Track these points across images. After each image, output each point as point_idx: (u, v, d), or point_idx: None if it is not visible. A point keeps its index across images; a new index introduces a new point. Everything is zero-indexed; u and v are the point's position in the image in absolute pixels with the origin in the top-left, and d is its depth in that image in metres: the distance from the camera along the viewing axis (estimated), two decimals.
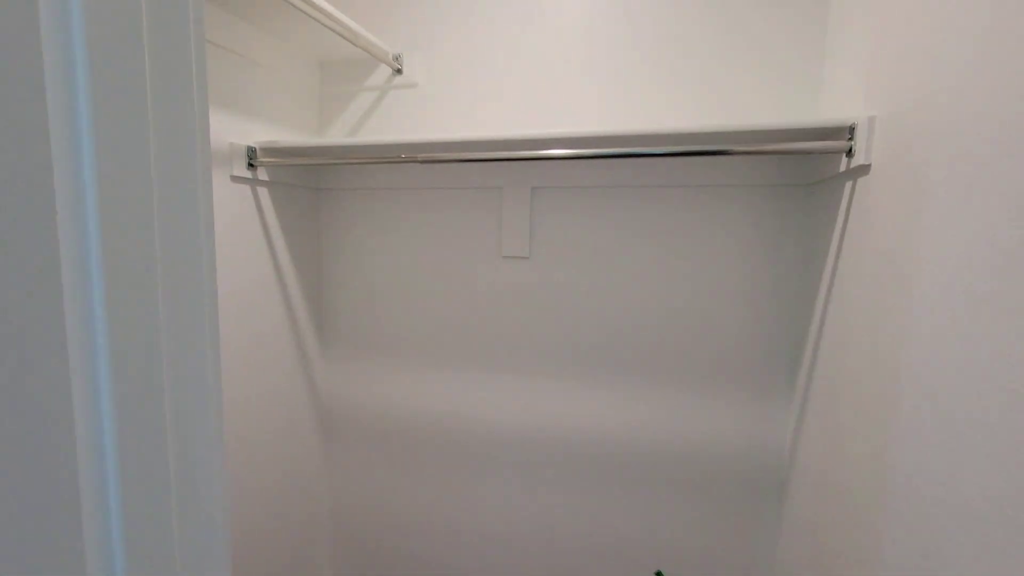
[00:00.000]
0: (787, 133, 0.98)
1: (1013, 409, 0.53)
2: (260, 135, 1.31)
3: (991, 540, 0.55)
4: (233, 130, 1.23)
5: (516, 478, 1.49)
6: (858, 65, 0.95)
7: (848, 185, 0.96)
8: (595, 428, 1.41)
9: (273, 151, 1.31)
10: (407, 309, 1.53)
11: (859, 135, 0.88)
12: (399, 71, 1.43)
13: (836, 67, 1.07)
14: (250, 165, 1.27)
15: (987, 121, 0.59)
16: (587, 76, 1.31)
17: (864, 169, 0.89)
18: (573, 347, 1.40)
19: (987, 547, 0.56)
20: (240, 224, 1.28)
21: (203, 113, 0.40)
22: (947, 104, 0.67)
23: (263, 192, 1.34)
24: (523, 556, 1.52)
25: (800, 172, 1.19)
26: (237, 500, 1.33)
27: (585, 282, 1.37)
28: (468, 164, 1.40)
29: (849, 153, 0.91)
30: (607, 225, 1.34)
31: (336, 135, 1.52)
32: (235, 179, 1.25)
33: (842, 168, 0.95)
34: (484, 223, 1.43)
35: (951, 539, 0.62)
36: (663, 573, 1.40)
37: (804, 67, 1.16)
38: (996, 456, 0.55)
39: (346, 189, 1.54)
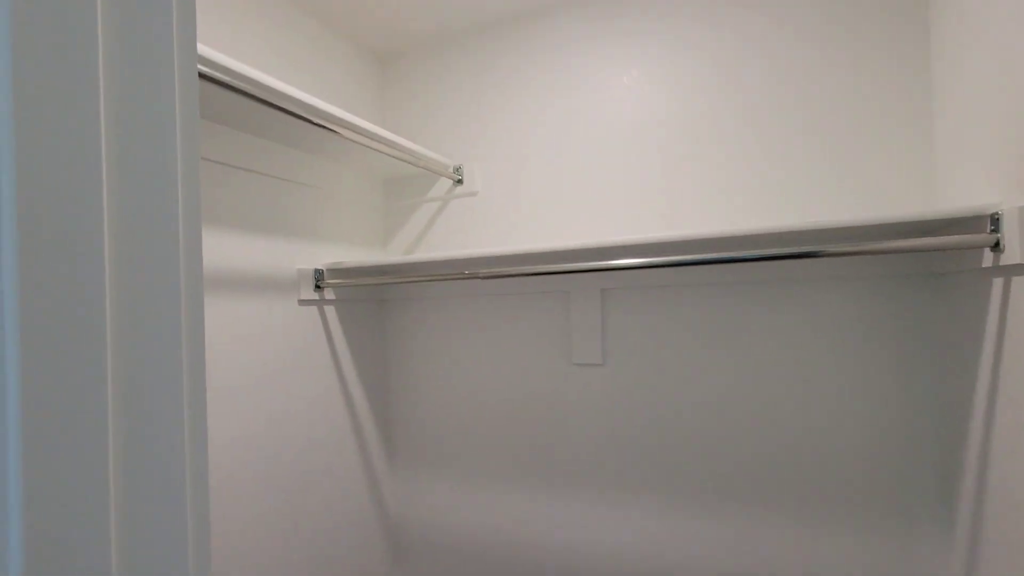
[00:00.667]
0: (896, 227, 0.83)
1: None
2: (327, 256, 1.33)
3: None
4: (300, 256, 1.25)
5: None
6: (990, 144, 0.80)
7: (998, 282, 0.78)
8: (682, 562, 1.19)
9: (339, 272, 1.32)
10: (475, 421, 1.43)
11: (1007, 226, 0.72)
12: (460, 181, 1.44)
13: (954, 150, 0.92)
14: (317, 287, 1.28)
15: None
16: (652, 174, 1.23)
17: (1020, 268, 0.72)
18: (656, 464, 1.23)
19: None
20: (308, 344, 1.27)
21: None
22: None
23: (330, 310, 1.34)
24: None
25: (926, 263, 1.01)
26: None
27: (666, 390, 1.22)
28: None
29: (996, 247, 0.75)
30: (687, 326, 1.20)
31: (400, 245, 1.53)
32: (303, 303, 1.25)
33: (986, 263, 0.78)
34: (553, 328, 1.34)
35: None
36: None
37: (908, 153, 1.02)
38: None
39: (410, 299, 1.52)
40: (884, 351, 1.05)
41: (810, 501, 1.10)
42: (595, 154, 1.29)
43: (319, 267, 1.28)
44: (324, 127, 1.02)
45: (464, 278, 1.12)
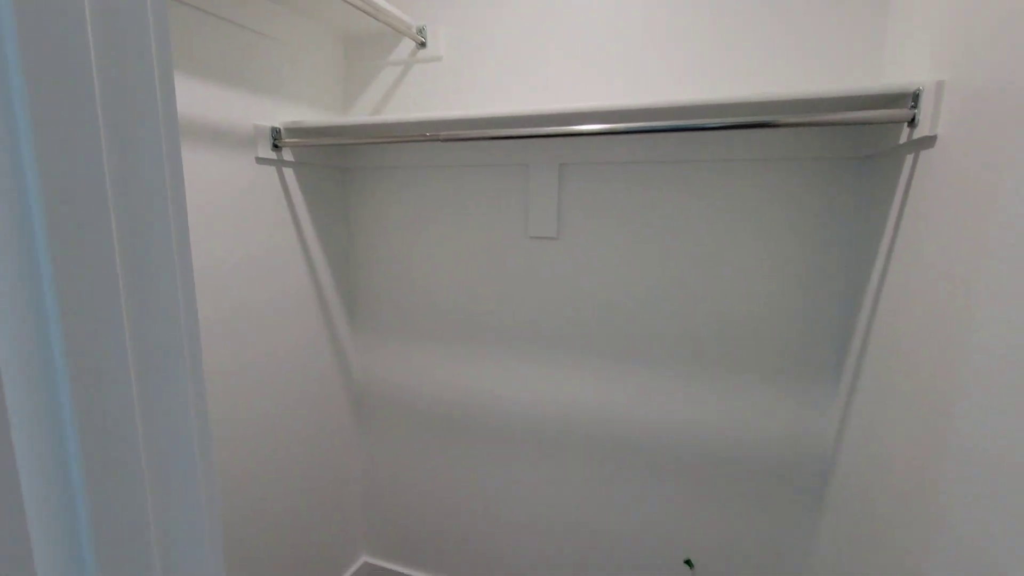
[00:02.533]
0: (841, 101, 0.89)
1: None
2: (285, 115, 1.30)
3: None
4: (256, 111, 1.22)
5: (546, 461, 1.48)
6: (926, 22, 0.84)
7: (909, 158, 0.87)
8: (628, 413, 1.37)
9: (298, 131, 1.29)
10: (436, 289, 1.52)
11: (924, 102, 0.79)
12: (423, 44, 1.38)
13: (901, 26, 0.96)
14: (275, 146, 1.26)
15: None
16: (620, 45, 1.22)
17: (928, 141, 0.80)
18: (604, 330, 1.36)
19: None
20: (267, 206, 1.28)
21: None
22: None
23: (289, 173, 1.34)
24: (552, 538, 1.52)
25: (855, 144, 1.08)
26: (271, 477, 1.37)
27: (616, 263, 1.32)
28: (494, 141, 1.35)
29: (912, 123, 0.82)
30: (641, 204, 1.28)
31: (361, 112, 1.50)
32: (260, 161, 1.25)
33: (903, 140, 0.86)
34: (511, 203, 1.39)
35: (1009, 537, 0.56)
36: (692, 562, 1.37)
37: (863, 28, 1.05)
38: None
39: (372, 168, 1.52)
40: (813, 229, 1.16)
41: (731, 359, 1.26)
42: (563, 23, 1.26)
43: (276, 125, 1.26)
44: None
45: (424, 140, 1.13)
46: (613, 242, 1.31)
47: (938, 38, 0.80)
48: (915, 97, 0.81)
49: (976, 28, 0.70)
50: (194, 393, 0.41)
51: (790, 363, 1.22)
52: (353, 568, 1.75)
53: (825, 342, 1.18)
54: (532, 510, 1.53)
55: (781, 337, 1.21)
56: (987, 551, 0.60)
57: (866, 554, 0.94)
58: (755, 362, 1.24)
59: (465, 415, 1.55)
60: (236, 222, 1.20)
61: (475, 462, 1.57)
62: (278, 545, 1.42)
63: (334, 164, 1.49)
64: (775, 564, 1.31)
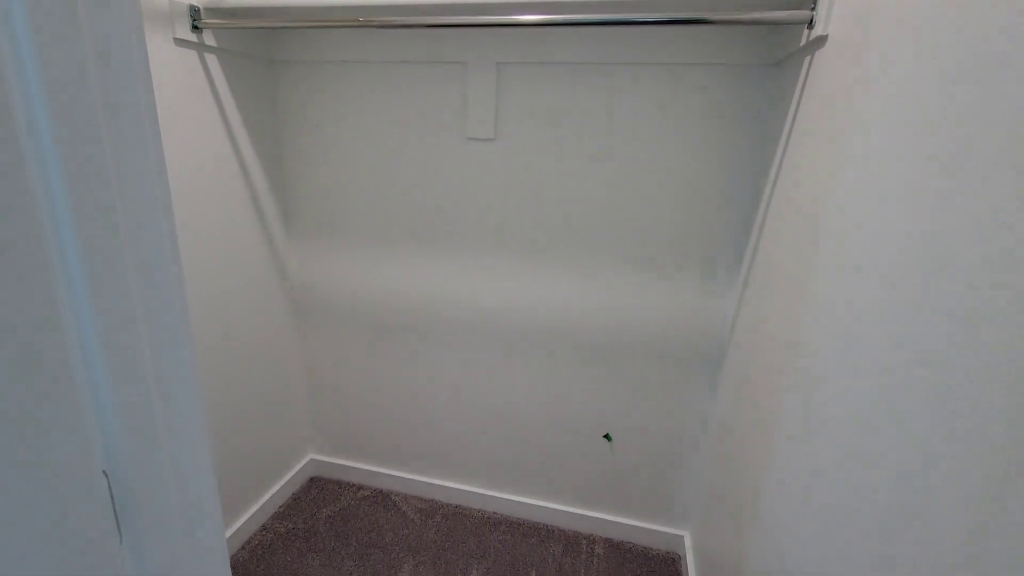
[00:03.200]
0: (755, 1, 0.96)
1: (919, 270, 0.59)
2: None
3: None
4: None
5: (485, 354, 1.60)
6: None
7: (807, 61, 0.96)
8: (555, 307, 1.49)
9: (219, 12, 1.22)
10: (371, 192, 1.53)
11: (820, 3, 0.87)
12: None
13: None
14: (194, 27, 1.18)
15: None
16: None
17: (821, 41, 0.89)
18: (538, 229, 1.44)
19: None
20: (190, 95, 1.22)
21: None
22: None
23: (212, 60, 1.27)
24: (486, 421, 1.67)
25: (770, 49, 1.17)
26: (213, 384, 1.40)
27: (549, 164, 1.38)
28: (432, 33, 1.33)
29: (810, 24, 0.91)
30: (572, 106, 1.32)
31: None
32: (179, 42, 1.17)
33: (803, 42, 0.95)
34: (449, 102, 1.40)
35: (833, 402, 0.71)
36: (610, 435, 1.57)
37: None
38: (883, 329, 0.62)
39: (303, 62, 1.45)
40: (728, 132, 1.26)
41: (650, 254, 1.39)
42: None
43: (195, 3, 1.17)
44: None
45: (358, 26, 1.10)
46: (547, 144, 1.37)
47: None
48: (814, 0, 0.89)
49: None
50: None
51: (703, 257, 1.36)
52: (300, 464, 1.85)
53: (730, 241, 1.33)
54: (472, 400, 1.66)
55: (696, 233, 1.35)
56: (829, 379, 0.76)
57: (741, 408, 1.13)
58: (671, 256, 1.38)
59: (404, 315, 1.62)
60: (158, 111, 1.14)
61: (415, 359, 1.66)
62: (224, 447, 1.47)
63: (260, 55, 1.41)
64: (680, 433, 1.52)
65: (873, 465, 0.61)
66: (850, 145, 0.75)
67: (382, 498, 1.81)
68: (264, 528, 1.65)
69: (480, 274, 1.52)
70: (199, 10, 1.18)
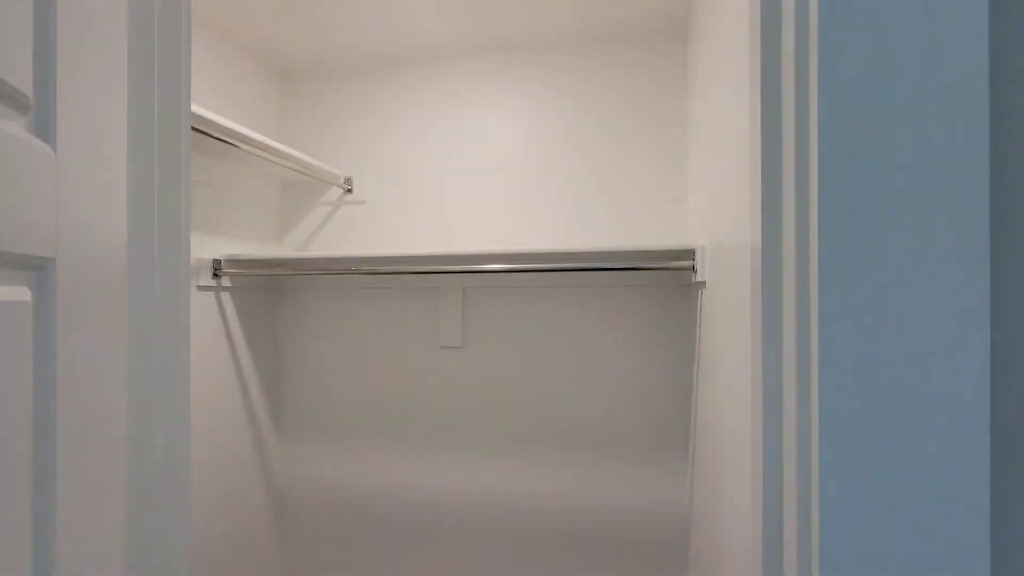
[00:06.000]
0: (654, 254, 1.28)
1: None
2: (224, 247, 1.51)
3: None
4: (199, 246, 1.43)
5: (455, 545, 1.62)
6: (697, 205, 1.27)
7: (701, 293, 1.25)
8: (528, 496, 1.58)
9: (236, 263, 1.51)
10: (356, 395, 1.70)
11: (698, 257, 1.18)
12: (350, 191, 1.69)
13: (691, 208, 1.40)
14: (215, 275, 1.46)
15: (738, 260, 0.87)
16: (508, 196, 1.60)
17: (702, 284, 1.18)
18: (504, 424, 1.60)
19: None
20: (204, 326, 1.44)
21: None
22: (726, 240, 0.95)
23: (226, 297, 1.52)
24: None
25: (678, 277, 1.48)
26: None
27: (512, 366, 1.59)
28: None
29: (694, 270, 1.20)
30: (530, 318, 1.59)
31: (294, 242, 1.74)
32: (201, 288, 1.43)
33: (694, 280, 1.24)
34: (424, 318, 1.65)
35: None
36: None
37: (676, 208, 1.50)
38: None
39: (301, 291, 1.73)
40: (659, 340, 1.51)
41: (603, 446, 1.53)
42: (465, 176, 1.63)
43: (217, 257, 1.46)
44: (225, 141, 1.23)
45: (351, 273, 1.39)
46: (509, 349, 1.60)
47: (701, 213, 1.21)
48: (692, 254, 1.20)
49: (712, 209, 1.10)
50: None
51: (658, 449, 1.51)
52: None
53: (678, 430, 1.50)
54: None
55: (648, 424, 1.52)
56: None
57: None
58: (628, 446, 1.52)
59: (381, 508, 1.67)
60: None
61: (392, 548, 1.66)
62: None
63: (266, 287, 1.69)
64: None
65: None
66: (722, 360, 0.97)
67: None
68: None
69: (455, 468, 1.62)
70: (221, 262, 1.47)
